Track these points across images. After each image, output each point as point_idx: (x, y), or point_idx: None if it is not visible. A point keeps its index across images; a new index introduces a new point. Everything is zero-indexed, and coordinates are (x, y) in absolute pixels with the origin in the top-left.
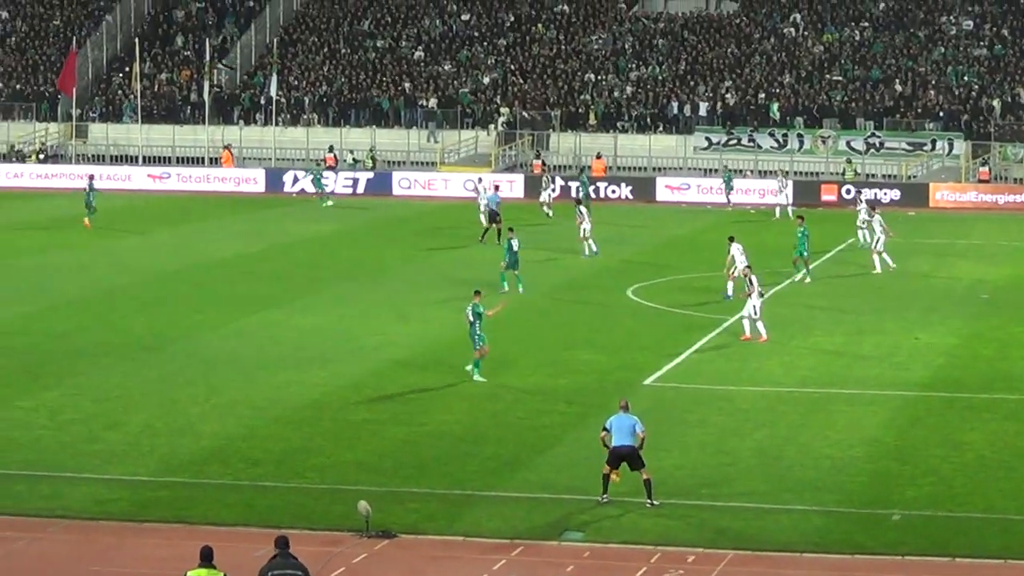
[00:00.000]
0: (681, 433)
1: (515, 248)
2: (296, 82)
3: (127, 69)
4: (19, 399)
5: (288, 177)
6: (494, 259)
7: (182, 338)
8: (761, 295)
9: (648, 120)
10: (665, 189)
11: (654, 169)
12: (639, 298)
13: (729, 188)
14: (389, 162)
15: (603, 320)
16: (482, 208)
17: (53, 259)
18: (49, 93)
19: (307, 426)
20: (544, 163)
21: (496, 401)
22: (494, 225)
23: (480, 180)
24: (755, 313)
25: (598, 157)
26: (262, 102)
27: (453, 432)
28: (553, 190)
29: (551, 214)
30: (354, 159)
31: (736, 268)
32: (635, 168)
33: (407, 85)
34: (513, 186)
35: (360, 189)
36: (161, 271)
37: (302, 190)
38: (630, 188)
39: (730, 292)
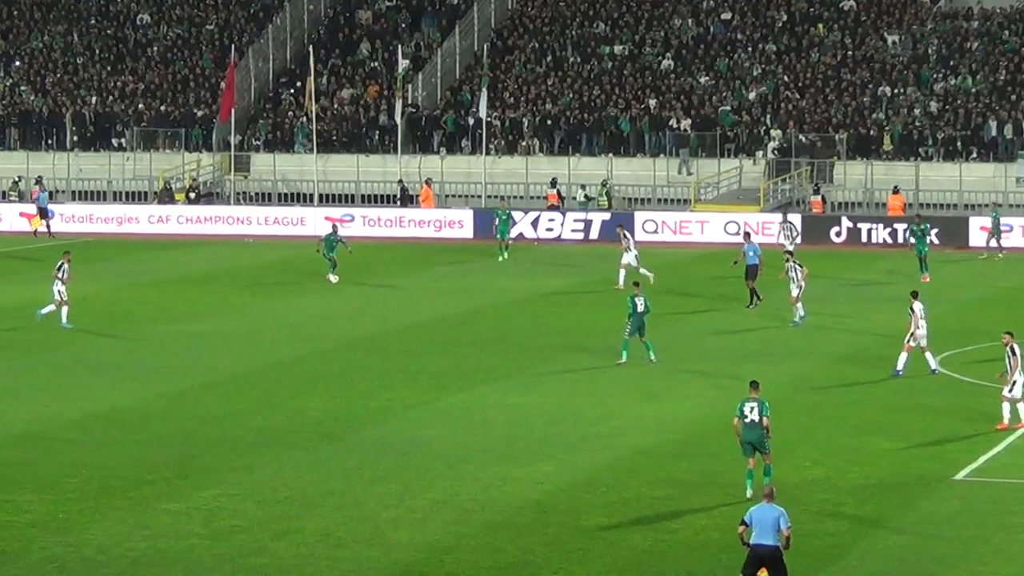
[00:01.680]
0: (1002, 541)
1: (639, 309)
2: (512, 99)
3: (299, 85)
4: (166, 501)
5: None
6: (764, 324)
7: (369, 423)
8: None
9: (958, 144)
10: (980, 232)
11: (966, 207)
12: (948, 370)
13: (996, 232)
14: (629, 199)
15: (902, 397)
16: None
17: (207, 325)
18: (202, 116)
19: (527, 534)
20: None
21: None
22: (747, 284)
23: (785, 219)
24: (1018, 392)
25: (895, 192)
26: (469, 124)
27: (712, 541)
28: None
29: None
30: (586, 196)
31: (916, 332)
32: (942, 205)
33: (652, 102)
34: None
35: (593, 233)
36: (342, 339)
37: (520, 235)
38: (936, 230)
39: (900, 366)
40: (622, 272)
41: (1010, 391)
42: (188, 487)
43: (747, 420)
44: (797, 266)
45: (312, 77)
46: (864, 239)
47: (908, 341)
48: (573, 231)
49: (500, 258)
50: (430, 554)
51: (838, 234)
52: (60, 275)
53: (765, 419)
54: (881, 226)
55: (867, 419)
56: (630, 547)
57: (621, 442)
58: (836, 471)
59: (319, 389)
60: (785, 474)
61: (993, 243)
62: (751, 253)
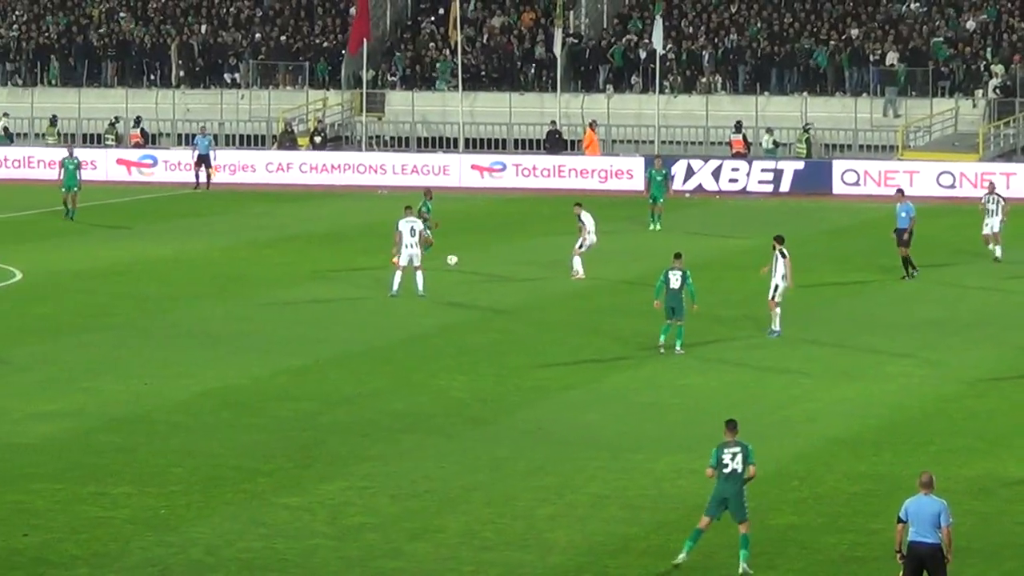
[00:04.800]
0: None
1: (674, 284)
2: (690, 29)
3: (441, 12)
4: (285, 494)
5: (679, 168)
6: (980, 293)
7: (522, 406)
8: None
9: None
10: None
11: None
12: None
13: None
14: (828, 145)
15: None
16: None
17: (334, 291)
18: (329, 48)
19: (707, 533)
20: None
21: (981, 498)
22: (900, 251)
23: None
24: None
25: None
26: (640, 58)
27: None
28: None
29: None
30: (774, 142)
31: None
32: None
33: (854, 32)
34: (1012, 181)
35: (784, 185)
36: (492, 307)
37: (699, 186)
38: None
39: None
40: None
41: None
42: (311, 479)
43: (726, 471)
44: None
45: (457, 3)
46: None
47: None
48: (761, 183)
49: (652, 227)
50: (592, 558)
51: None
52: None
53: (752, 468)
54: None
55: None
56: (824, 550)
57: (815, 429)
58: None
59: (464, 366)
60: (1007, 468)
61: None
62: (903, 214)
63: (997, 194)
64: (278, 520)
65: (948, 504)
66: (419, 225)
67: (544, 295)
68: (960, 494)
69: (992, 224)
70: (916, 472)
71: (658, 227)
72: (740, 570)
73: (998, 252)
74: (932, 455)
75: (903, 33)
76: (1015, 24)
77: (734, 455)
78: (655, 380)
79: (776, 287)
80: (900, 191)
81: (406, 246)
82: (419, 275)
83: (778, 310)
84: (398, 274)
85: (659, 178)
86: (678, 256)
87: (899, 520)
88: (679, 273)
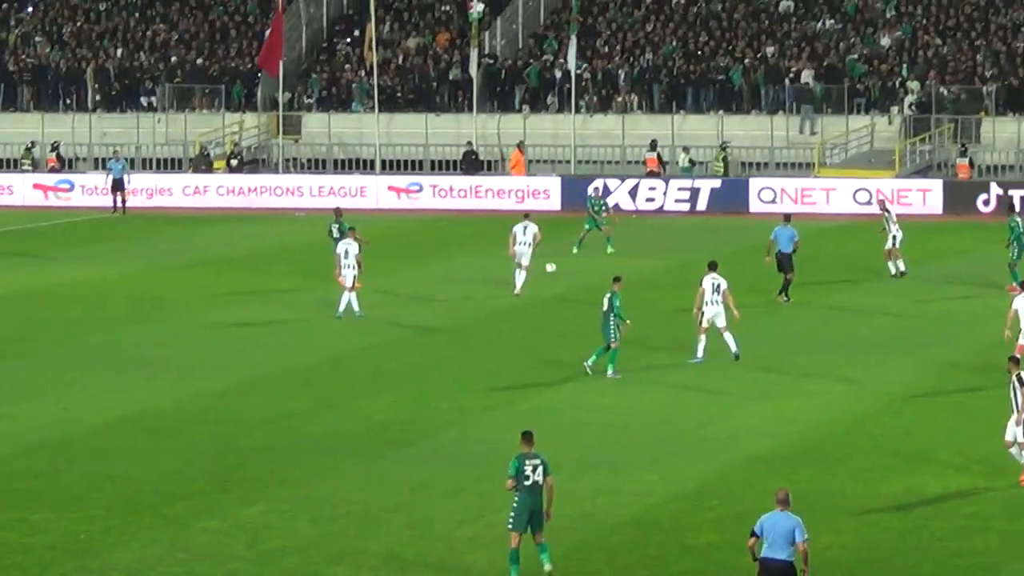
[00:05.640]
0: None
1: (605, 307)
2: (606, 48)
3: (357, 33)
4: (205, 518)
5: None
6: (898, 309)
7: (443, 427)
8: None
9: None
10: None
11: None
12: None
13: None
14: (744, 163)
15: None
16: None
17: (252, 313)
18: (245, 71)
19: (624, 554)
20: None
21: (904, 515)
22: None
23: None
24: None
25: None
26: (556, 78)
27: (840, 561)
28: None
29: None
30: (690, 160)
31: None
32: None
33: (769, 50)
34: (928, 197)
35: (701, 204)
36: (412, 328)
37: (616, 205)
38: None
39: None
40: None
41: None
42: (230, 502)
43: (528, 483)
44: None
45: (372, 24)
46: (1018, 208)
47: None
48: (677, 201)
49: (574, 250)
50: None
51: (986, 202)
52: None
53: (550, 479)
54: None
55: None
56: (744, 570)
57: (734, 447)
58: (985, 480)
59: (385, 387)
60: (925, 483)
61: None
62: (785, 238)
63: (887, 210)
64: (198, 544)
65: (803, 521)
66: (354, 248)
67: (465, 315)
68: (878, 511)
69: (891, 240)
70: (836, 489)
71: (610, 250)
72: (547, 569)
73: (899, 266)
74: (850, 472)
75: (818, 51)
76: (930, 41)
77: (535, 467)
78: (575, 400)
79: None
80: (787, 216)
81: (346, 267)
82: (354, 296)
83: (727, 335)
84: (345, 295)
85: (597, 208)
86: (617, 280)
87: (752, 534)
88: (608, 296)
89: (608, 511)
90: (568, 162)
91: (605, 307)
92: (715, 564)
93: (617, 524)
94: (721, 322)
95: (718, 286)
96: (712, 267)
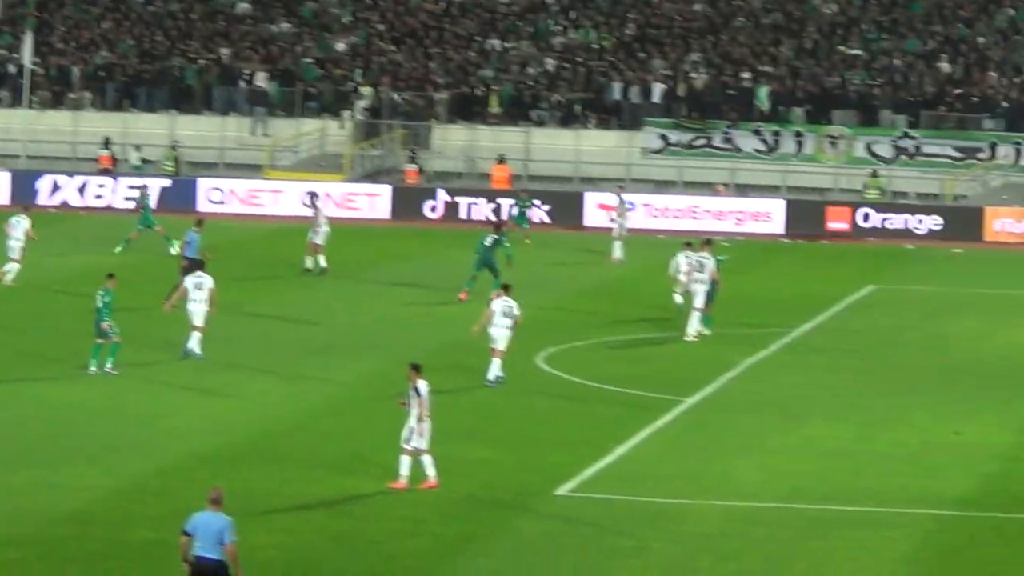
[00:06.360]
0: (610, 567)
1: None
2: (61, 44)
3: None
4: None
5: (45, 184)
6: (344, 313)
7: None
8: None
9: (578, 109)
10: (598, 210)
11: (582, 180)
12: (554, 368)
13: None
14: (194, 163)
15: (501, 401)
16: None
17: None
18: None
19: (62, 549)
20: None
21: (340, 517)
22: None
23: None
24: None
25: (500, 162)
26: (10, 73)
27: (274, 562)
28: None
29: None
30: (142, 159)
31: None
32: (555, 178)
33: (224, 51)
34: (376, 202)
35: (154, 202)
36: None
37: (64, 202)
38: (548, 208)
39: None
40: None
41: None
42: None
43: None
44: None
45: None
46: (464, 215)
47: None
48: (127, 199)
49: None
50: None
51: (433, 208)
52: None
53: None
54: (484, 200)
55: (457, 423)
56: (180, 568)
57: (176, 445)
58: (417, 482)
59: None
60: (361, 484)
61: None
62: (189, 241)
63: (315, 204)
64: None
65: (233, 522)
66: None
67: None
68: (315, 511)
69: (315, 236)
70: (274, 489)
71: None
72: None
73: (318, 263)
74: (288, 473)
75: (273, 53)
76: (384, 47)
77: None
78: (17, 395)
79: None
80: (200, 221)
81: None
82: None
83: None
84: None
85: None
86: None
87: (184, 533)
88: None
89: (47, 506)
90: (19, 157)
91: (98, 304)
92: (152, 561)
93: (55, 518)
94: (199, 321)
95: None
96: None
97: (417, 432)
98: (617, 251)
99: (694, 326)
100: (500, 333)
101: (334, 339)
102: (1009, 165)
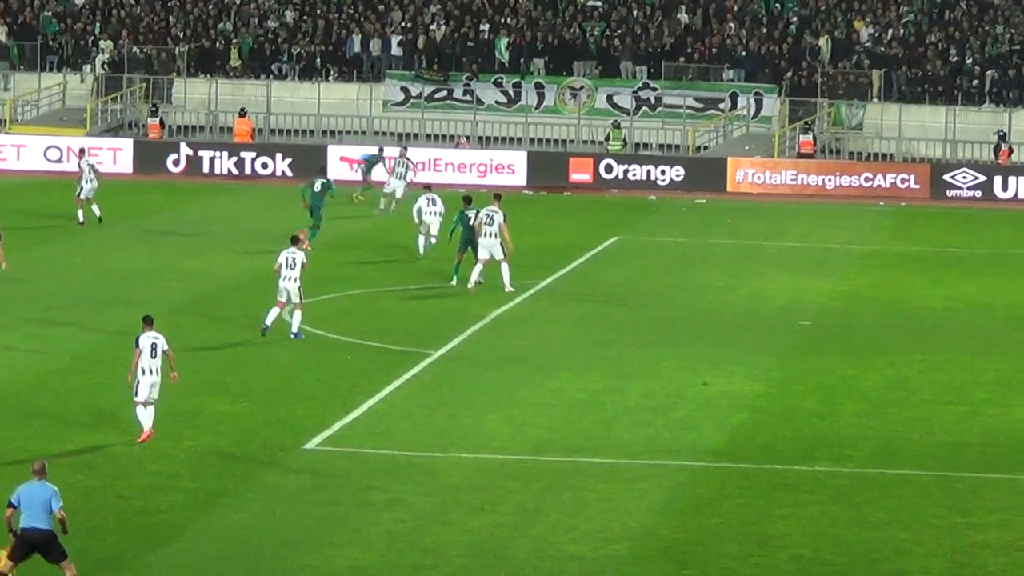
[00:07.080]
0: (361, 520)
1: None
2: None
3: None
4: None
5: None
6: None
7: None
8: None
9: (317, 61)
10: (340, 163)
11: (324, 133)
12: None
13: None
14: None
15: (249, 354)
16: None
17: None
18: None
19: None
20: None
21: (89, 473)
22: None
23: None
24: None
25: (242, 115)
26: None
27: None
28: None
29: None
30: None
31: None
32: (297, 132)
33: None
34: (119, 156)
35: None
36: None
37: None
38: (289, 161)
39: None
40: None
41: None
42: None
43: None
44: None
45: None
46: (206, 169)
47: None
48: None
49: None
50: None
51: (176, 162)
52: None
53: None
54: (226, 154)
55: (205, 377)
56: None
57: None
58: (169, 438)
59: None
60: (109, 440)
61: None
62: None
63: (90, 164)
64: None
65: (59, 490)
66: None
67: None
68: (64, 468)
69: (86, 191)
70: (20, 446)
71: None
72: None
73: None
74: (37, 429)
75: (12, 7)
76: (123, 1)
77: None
78: None
79: None
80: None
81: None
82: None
83: None
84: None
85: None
86: None
87: (10, 505)
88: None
89: None
90: None
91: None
92: None
93: None
94: None
95: None
96: None
97: (144, 384)
98: (384, 204)
99: (507, 278)
100: (287, 285)
101: (79, 294)
102: (750, 116)
